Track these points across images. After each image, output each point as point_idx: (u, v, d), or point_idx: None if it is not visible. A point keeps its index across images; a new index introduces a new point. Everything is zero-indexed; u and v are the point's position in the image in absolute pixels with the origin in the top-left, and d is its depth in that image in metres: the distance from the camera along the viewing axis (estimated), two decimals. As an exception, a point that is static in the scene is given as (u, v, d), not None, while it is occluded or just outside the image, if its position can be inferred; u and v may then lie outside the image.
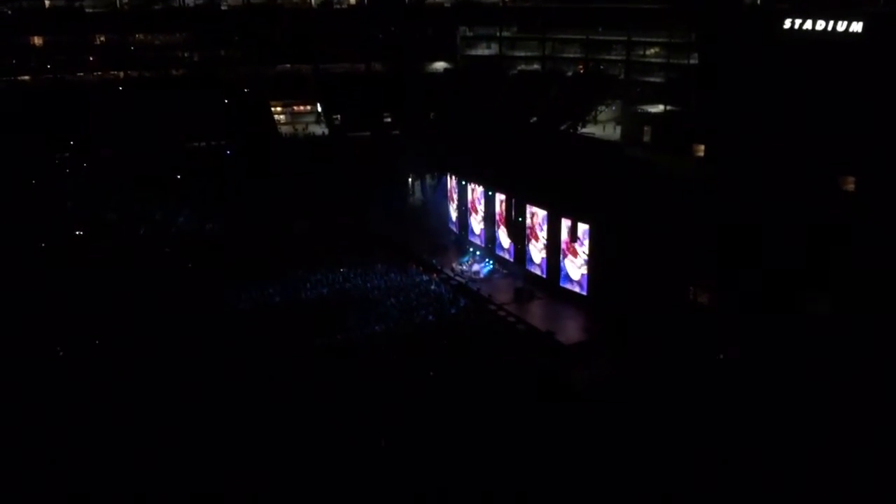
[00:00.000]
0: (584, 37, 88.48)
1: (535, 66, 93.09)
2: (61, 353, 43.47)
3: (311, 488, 32.12)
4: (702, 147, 67.36)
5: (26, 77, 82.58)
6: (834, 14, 59.30)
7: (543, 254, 52.52)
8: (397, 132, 79.63)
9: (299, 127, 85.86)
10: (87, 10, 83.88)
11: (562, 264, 51.11)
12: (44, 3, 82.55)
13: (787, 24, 61.55)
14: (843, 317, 38.72)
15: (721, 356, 39.85)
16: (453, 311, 49.51)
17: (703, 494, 30.94)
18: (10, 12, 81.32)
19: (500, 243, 57.53)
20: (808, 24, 60.46)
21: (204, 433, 35.52)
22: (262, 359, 42.55)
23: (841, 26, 58.75)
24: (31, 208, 62.74)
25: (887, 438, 32.41)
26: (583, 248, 48.95)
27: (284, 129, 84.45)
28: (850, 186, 56.53)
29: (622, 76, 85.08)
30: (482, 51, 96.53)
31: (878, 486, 30.45)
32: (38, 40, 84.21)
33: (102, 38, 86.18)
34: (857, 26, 58.13)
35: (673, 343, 41.64)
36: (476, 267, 57.48)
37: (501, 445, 34.21)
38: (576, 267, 49.92)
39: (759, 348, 39.21)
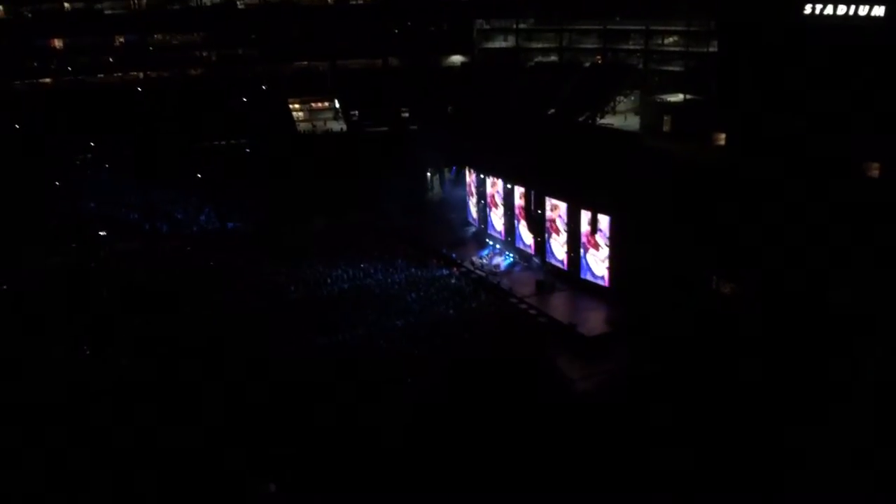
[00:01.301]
0: (601, 27, 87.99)
1: (553, 58, 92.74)
2: (87, 353, 43.98)
3: (327, 484, 32.31)
4: (722, 135, 66.78)
5: (48, 79, 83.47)
6: (855, -2, 58.53)
7: (566, 249, 52.24)
8: (415, 127, 79.59)
9: (318, 123, 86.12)
10: (106, 11, 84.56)
11: (584, 259, 50.86)
12: (63, 5, 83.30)
13: (808, 9, 60.80)
14: (866, 307, 38.18)
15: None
16: (474, 304, 49.48)
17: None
18: (30, 15, 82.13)
19: (520, 236, 57.42)
20: (829, 10, 59.71)
21: (222, 430, 35.75)
22: (282, 354, 42.80)
23: (862, 11, 57.96)
24: (55, 209, 63.44)
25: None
26: (604, 240, 48.70)
27: (303, 126, 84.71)
28: (875, 172, 55.87)
29: (641, 66, 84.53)
30: (499, 43, 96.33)
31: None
32: (58, 43, 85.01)
33: (121, 40, 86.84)
34: (878, 10, 57.32)
35: (692, 336, 41.41)
36: (496, 260, 57.43)
37: (518, 444, 34.18)
38: (599, 261, 49.60)
39: (781, 341, 38.82)
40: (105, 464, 33.73)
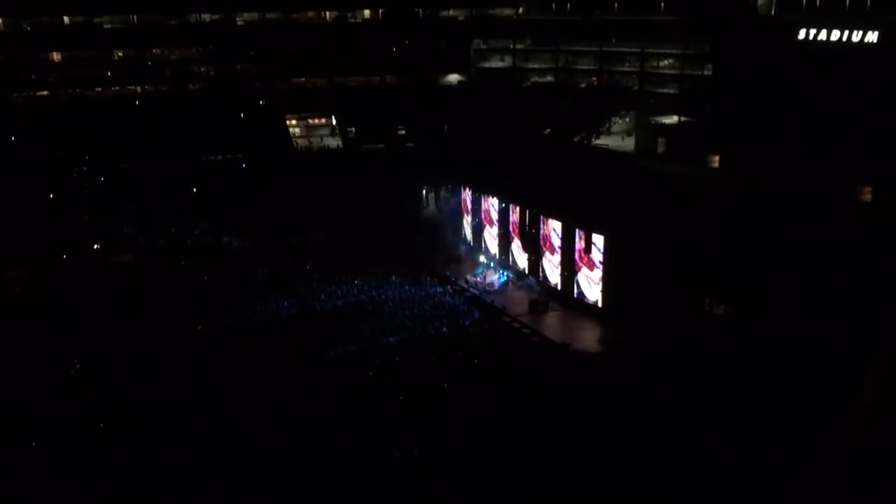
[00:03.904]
0: (597, 48, 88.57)
1: (549, 78, 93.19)
2: (78, 366, 43.75)
3: (325, 499, 32.14)
4: (717, 157, 67.12)
5: (45, 92, 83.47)
6: (849, 24, 59.05)
7: (560, 268, 52.31)
8: (411, 144, 79.83)
9: (314, 140, 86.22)
10: (105, 25, 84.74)
11: (577, 280, 50.90)
12: (62, 19, 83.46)
13: (802, 34, 61.35)
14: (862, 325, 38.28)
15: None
16: (467, 322, 49.42)
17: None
18: (29, 28, 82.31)
19: (514, 255, 57.46)
20: (823, 35, 60.24)
21: (217, 447, 35.53)
22: (277, 370, 42.66)
23: (856, 36, 58.49)
24: (50, 221, 63.29)
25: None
26: (598, 259, 48.76)
27: (299, 142, 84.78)
28: (867, 196, 56.15)
29: (636, 87, 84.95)
30: (496, 63, 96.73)
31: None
32: (56, 56, 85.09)
33: (120, 54, 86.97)
34: (872, 36, 57.85)
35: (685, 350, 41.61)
36: (490, 278, 57.40)
37: (515, 456, 34.16)
38: (592, 282, 49.63)
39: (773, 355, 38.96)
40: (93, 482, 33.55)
